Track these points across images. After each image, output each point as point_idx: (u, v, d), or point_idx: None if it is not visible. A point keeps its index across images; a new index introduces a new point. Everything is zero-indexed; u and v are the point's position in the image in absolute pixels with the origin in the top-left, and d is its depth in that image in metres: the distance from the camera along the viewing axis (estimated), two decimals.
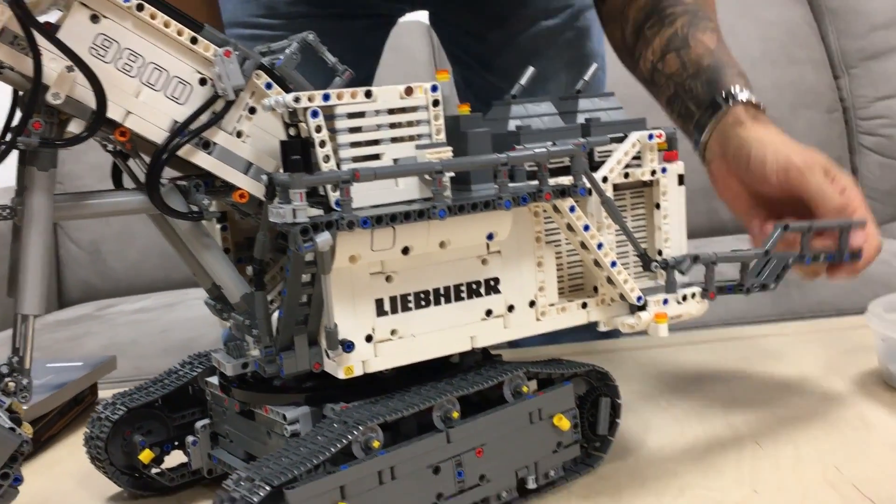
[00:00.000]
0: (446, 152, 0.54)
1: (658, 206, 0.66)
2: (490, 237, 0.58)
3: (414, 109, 0.54)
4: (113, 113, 0.52)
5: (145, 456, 0.67)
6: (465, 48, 1.18)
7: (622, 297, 0.63)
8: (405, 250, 0.55)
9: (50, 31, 0.49)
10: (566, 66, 1.12)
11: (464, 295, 0.59)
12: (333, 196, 0.51)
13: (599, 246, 0.61)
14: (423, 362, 0.58)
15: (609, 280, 0.62)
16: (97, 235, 2.13)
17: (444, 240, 0.56)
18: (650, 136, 0.63)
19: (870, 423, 0.70)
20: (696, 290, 0.65)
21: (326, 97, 0.51)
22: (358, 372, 0.55)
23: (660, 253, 0.66)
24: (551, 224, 0.61)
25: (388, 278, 0.56)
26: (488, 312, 0.60)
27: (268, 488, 0.48)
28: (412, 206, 0.52)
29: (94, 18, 0.52)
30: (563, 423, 0.61)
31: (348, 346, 0.54)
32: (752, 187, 0.79)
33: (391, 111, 0.53)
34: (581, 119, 0.67)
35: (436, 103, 0.55)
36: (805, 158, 0.75)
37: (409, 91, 0.54)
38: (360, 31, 1.13)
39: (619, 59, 0.99)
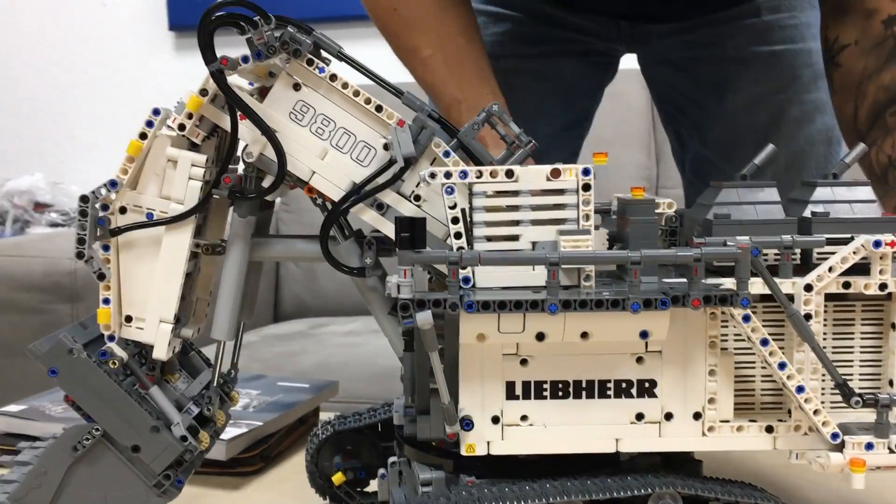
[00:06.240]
0: (586, 241, 0.50)
1: (894, 326, 0.54)
2: (644, 335, 0.52)
3: (560, 192, 0.52)
4: (300, 172, 0.58)
5: (337, 478, 0.72)
6: (680, 108, 1.08)
7: None
8: (540, 336, 0.52)
9: (247, 105, 0.56)
10: (790, 146, 0.97)
11: (610, 393, 0.54)
12: (463, 273, 0.51)
13: (782, 366, 0.52)
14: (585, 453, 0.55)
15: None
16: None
17: (587, 331, 0.52)
18: (876, 244, 0.52)
19: None
20: None
21: (464, 174, 0.51)
22: (480, 452, 0.54)
23: (891, 384, 0.54)
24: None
25: (523, 362, 0.54)
26: (639, 416, 0.55)
27: None
28: (532, 296, 0.49)
29: (297, 87, 0.58)
30: None
31: (467, 424, 0.53)
32: None
33: (534, 193, 0.51)
34: (811, 210, 0.57)
35: (586, 187, 0.52)
36: None
37: (555, 173, 0.51)
38: (568, 72, 1.09)
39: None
